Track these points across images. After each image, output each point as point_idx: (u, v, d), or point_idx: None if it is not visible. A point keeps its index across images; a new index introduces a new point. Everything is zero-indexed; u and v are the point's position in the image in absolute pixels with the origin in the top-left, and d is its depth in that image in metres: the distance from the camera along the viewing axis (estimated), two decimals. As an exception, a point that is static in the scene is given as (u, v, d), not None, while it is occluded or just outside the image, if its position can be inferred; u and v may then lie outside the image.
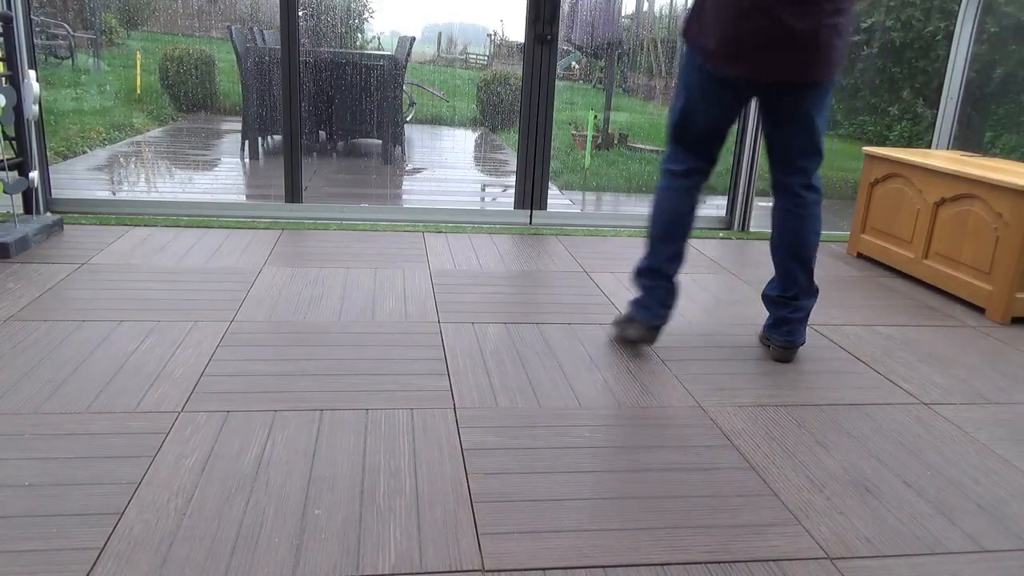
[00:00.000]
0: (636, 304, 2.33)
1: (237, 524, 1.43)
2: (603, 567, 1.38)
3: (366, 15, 8.34)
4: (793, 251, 2.29)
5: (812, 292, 2.33)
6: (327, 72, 6.02)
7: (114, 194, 4.96)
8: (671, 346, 2.41)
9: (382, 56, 6.40)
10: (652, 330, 2.31)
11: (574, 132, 7.66)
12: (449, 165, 6.76)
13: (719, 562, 1.41)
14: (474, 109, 8.06)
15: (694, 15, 2.17)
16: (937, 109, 4.12)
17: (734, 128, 2.40)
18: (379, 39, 8.43)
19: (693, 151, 2.30)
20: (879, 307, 2.92)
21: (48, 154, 3.54)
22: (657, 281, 2.31)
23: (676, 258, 2.31)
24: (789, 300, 2.31)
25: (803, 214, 2.28)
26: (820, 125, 2.23)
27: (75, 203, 3.64)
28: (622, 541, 1.45)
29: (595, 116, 7.68)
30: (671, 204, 2.32)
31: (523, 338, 2.40)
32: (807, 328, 2.40)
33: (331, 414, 1.86)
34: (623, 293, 2.89)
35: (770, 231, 2.37)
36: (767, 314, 2.40)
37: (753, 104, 3.02)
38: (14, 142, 3.16)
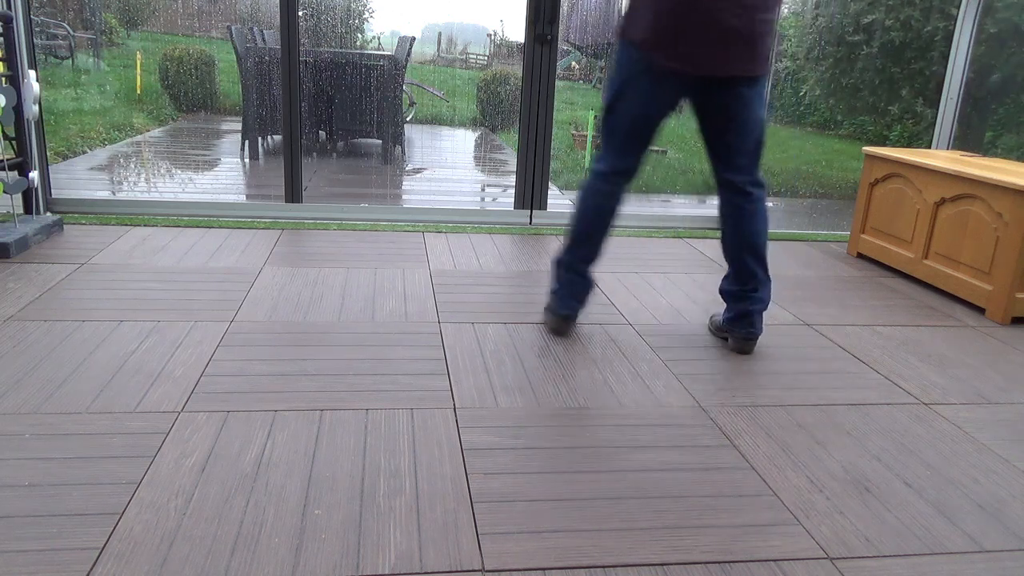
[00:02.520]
0: (553, 294, 2.44)
1: (237, 524, 1.43)
2: (603, 567, 1.38)
3: (366, 15, 8.35)
4: (748, 246, 2.31)
5: (768, 282, 2.36)
6: (327, 72, 6.02)
7: (114, 194, 4.97)
8: (671, 346, 2.41)
9: (382, 56, 6.40)
10: (564, 319, 2.41)
11: (574, 132, 7.66)
12: (449, 165, 6.77)
13: (719, 562, 1.41)
14: (474, 109, 8.06)
15: (630, 14, 2.18)
16: (937, 109, 4.12)
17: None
18: (379, 39, 8.43)
19: (622, 152, 2.30)
20: (879, 307, 2.92)
21: (48, 154, 3.54)
22: (572, 276, 2.39)
23: (593, 257, 2.39)
24: (749, 293, 2.34)
25: (753, 209, 2.30)
26: (759, 120, 2.24)
27: (75, 203, 3.64)
28: (622, 541, 1.45)
29: (595, 116, 7.68)
30: (594, 205, 2.33)
31: (523, 338, 2.40)
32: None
33: (331, 414, 1.86)
34: (623, 293, 2.89)
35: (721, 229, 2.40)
36: (766, 313, 2.41)
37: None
38: (14, 142, 3.16)
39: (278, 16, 3.54)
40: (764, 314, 2.40)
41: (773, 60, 2.28)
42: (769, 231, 2.33)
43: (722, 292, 2.42)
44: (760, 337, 2.41)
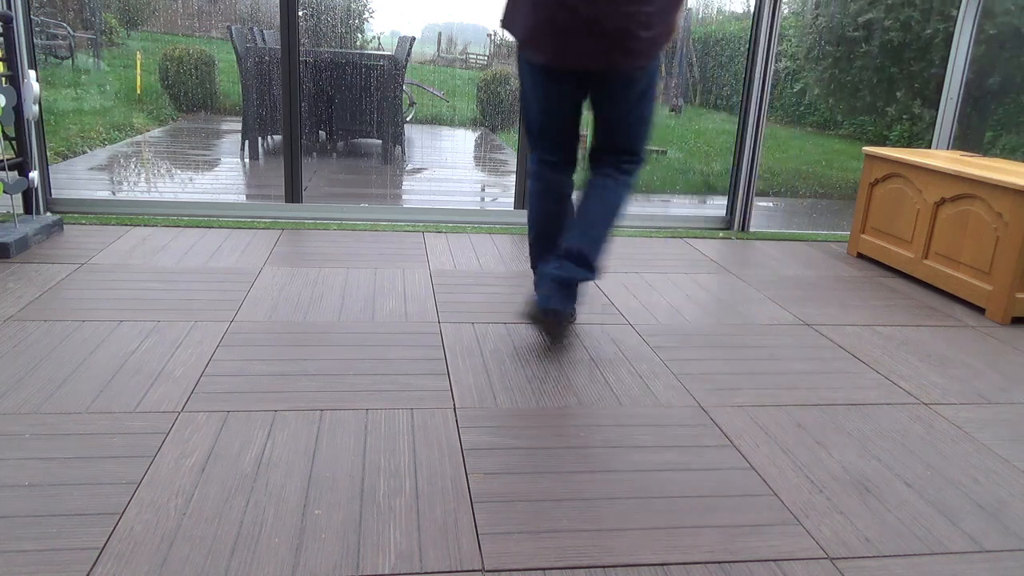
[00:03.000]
0: (535, 288, 2.31)
1: (237, 524, 1.43)
2: (603, 567, 1.38)
3: (366, 15, 8.35)
4: (579, 215, 2.23)
5: (585, 263, 2.20)
6: (327, 72, 6.02)
7: (114, 194, 4.97)
8: (671, 346, 2.41)
9: (382, 56, 6.40)
10: (546, 317, 2.28)
11: (574, 132, 7.64)
12: (449, 165, 6.77)
13: (719, 562, 1.41)
14: (474, 109, 8.06)
15: (508, 10, 2.15)
16: (936, 109, 4.12)
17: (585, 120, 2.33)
18: (379, 39, 8.43)
19: (545, 147, 2.26)
20: (879, 307, 2.92)
21: (48, 154, 3.54)
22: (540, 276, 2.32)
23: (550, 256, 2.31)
24: (559, 256, 2.21)
25: (602, 185, 2.23)
26: (633, 118, 2.17)
27: (75, 203, 3.64)
28: (622, 541, 1.45)
29: (595, 116, 7.67)
30: (538, 205, 2.31)
31: (523, 338, 2.39)
32: (574, 304, 2.32)
33: (331, 414, 1.86)
34: (623, 293, 2.89)
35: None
36: (766, 313, 2.40)
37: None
38: (14, 142, 3.16)
39: (278, 16, 3.54)
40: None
41: (664, 53, 2.21)
42: (614, 218, 2.23)
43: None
44: (570, 323, 2.29)
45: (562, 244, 2.21)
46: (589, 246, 2.19)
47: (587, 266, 2.20)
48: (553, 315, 2.20)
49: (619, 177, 2.24)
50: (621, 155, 2.24)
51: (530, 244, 2.38)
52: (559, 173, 2.29)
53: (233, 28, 6.20)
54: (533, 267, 2.39)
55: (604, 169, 2.25)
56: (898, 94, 7.11)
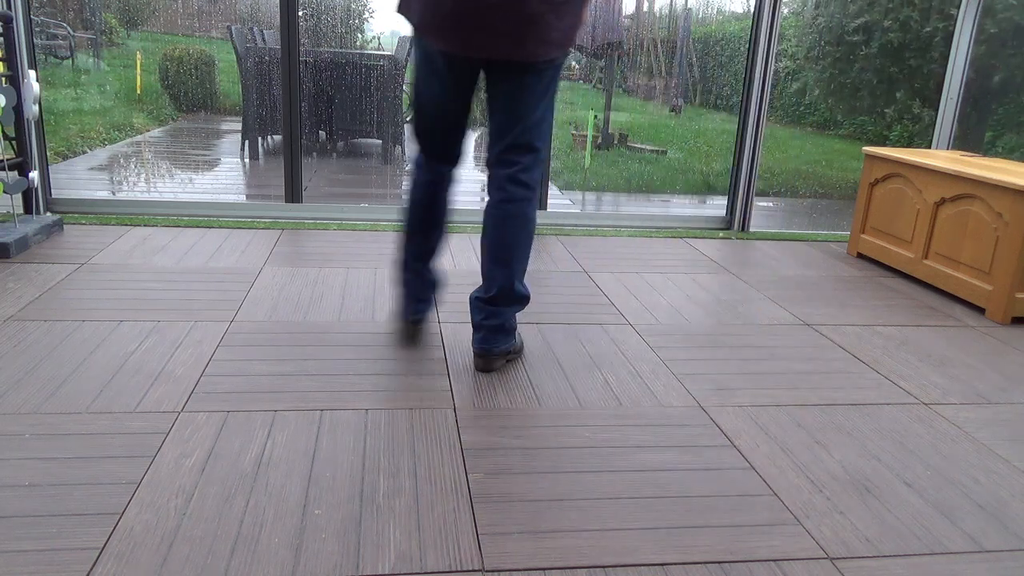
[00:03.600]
0: (397, 299, 2.25)
1: (237, 524, 1.43)
2: (603, 567, 1.38)
3: (366, 15, 8.35)
4: (493, 251, 2.09)
5: (515, 299, 2.11)
6: (327, 72, 6.02)
7: (114, 194, 4.97)
8: (671, 346, 2.41)
9: (382, 56, 6.40)
10: (411, 324, 2.23)
11: (574, 132, 7.66)
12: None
13: (719, 562, 1.41)
14: (474, 109, 8.04)
15: None
16: (936, 109, 4.12)
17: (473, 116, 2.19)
18: (379, 39, 8.43)
19: (435, 140, 2.14)
20: (879, 307, 2.92)
21: (48, 154, 3.54)
22: (411, 276, 2.21)
23: (429, 252, 2.21)
24: (486, 304, 2.11)
25: (506, 211, 2.07)
26: (529, 115, 2.03)
27: (75, 203, 3.64)
28: (622, 541, 1.45)
29: (595, 116, 7.69)
30: (417, 198, 2.18)
31: (523, 338, 2.39)
32: (514, 335, 2.20)
33: (331, 414, 1.86)
34: (623, 293, 2.89)
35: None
36: (766, 313, 2.40)
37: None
38: (14, 142, 3.16)
39: (278, 16, 3.54)
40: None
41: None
42: (530, 243, 2.11)
43: (469, 299, 2.18)
44: (505, 355, 2.15)
45: (489, 284, 2.09)
46: (513, 280, 2.09)
47: (519, 299, 2.13)
48: (497, 356, 2.14)
49: (518, 193, 2.08)
50: (518, 152, 2.08)
51: (405, 237, 2.20)
52: (446, 166, 2.17)
53: (233, 28, 6.19)
54: (404, 265, 2.22)
55: (501, 183, 2.09)
56: (898, 94, 7.11)
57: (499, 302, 2.09)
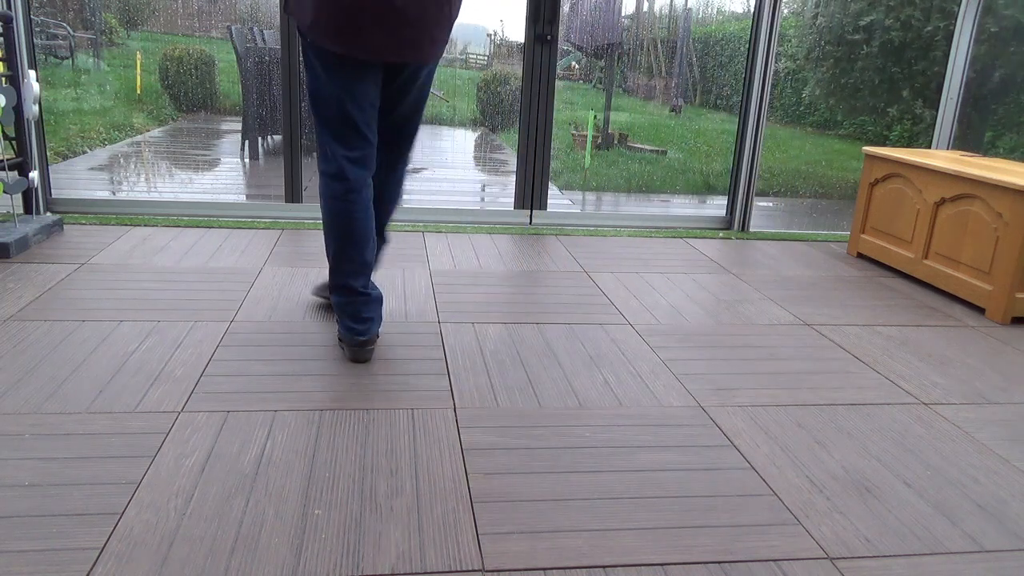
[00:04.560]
0: (339, 324, 2.15)
1: (237, 524, 1.43)
2: (603, 567, 1.38)
3: (366, 15, 8.31)
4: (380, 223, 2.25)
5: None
6: (327, 72, 6.01)
7: (114, 194, 4.97)
8: (671, 346, 2.41)
9: (382, 56, 6.38)
10: (360, 346, 2.10)
11: (574, 132, 7.66)
12: (449, 165, 6.77)
13: (719, 562, 1.41)
14: (474, 109, 8.05)
15: None
16: (937, 109, 4.12)
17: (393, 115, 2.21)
18: (379, 39, 8.40)
19: (350, 143, 2.05)
20: (879, 307, 2.92)
21: (48, 154, 3.54)
22: (345, 297, 2.11)
23: (360, 272, 2.10)
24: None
25: (390, 180, 2.24)
26: (422, 107, 2.19)
27: (75, 203, 3.64)
28: (622, 541, 1.45)
29: (595, 116, 7.69)
30: (334, 211, 2.06)
31: (523, 338, 2.39)
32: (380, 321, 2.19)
33: (331, 414, 1.86)
34: (623, 293, 2.89)
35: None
36: (766, 313, 2.39)
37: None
38: (14, 142, 3.16)
39: (278, 16, 3.54)
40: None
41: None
42: (386, 217, 2.26)
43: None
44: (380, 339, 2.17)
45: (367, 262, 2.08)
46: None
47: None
48: (369, 344, 2.11)
49: (400, 168, 2.27)
50: (411, 139, 2.21)
51: (334, 257, 2.10)
52: (364, 170, 2.09)
53: (233, 28, 6.19)
54: (339, 287, 2.11)
55: (393, 162, 2.23)
56: (904, 93, 7.10)
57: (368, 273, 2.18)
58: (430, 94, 2.22)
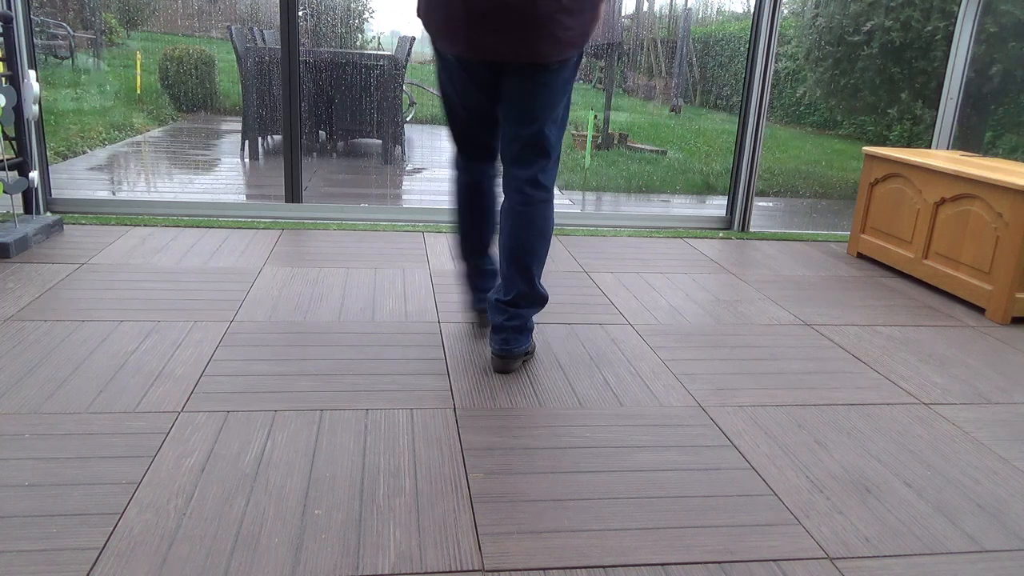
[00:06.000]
0: (463, 292, 2.45)
1: (237, 524, 1.43)
2: (603, 567, 1.38)
3: (366, 15, 8.35)
4: (513, 254, 2.09)
5: (535, 300, 2.14)
6: (327, 72, 6.02)
7: (114, 194, 4.97)
8: (671, 346, 2.41)
9: (382, 56, 6.40)
10: (479, 312, 2.40)
11: (574, 132, 7.66)
12: (449, 165, 6.77)
13: (719, 562, 1.41)
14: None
15: None
16: (937, 110, 4.12)
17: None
18: (379, 39, 8.43)
19: (465, 141, 2.21)
20: (879, 307, 2.92)
21: (48, 154, 3.54)
22: (470, 270, 2.37)
23: (478, 250, 2.32)
24: (507, 306, 2.11)
25: (524, 213, 2.07)
26: (546, 115, 2.01)
27: (75, 203, 3.64)
28: (622, 541, 1.45)
29: (595, 116, 7.68)
30: (461, 199, 2.28)
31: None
32: (531, 336, 2.21)
33: (331, 414, 1.86)
34: (623, 293, 2.89)
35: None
36: (766, 312, 2.40)
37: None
38: (14, 142, 3.16)
39: (278, 16, 3.54)
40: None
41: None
42: (548, 244, 2.13)
43: (487, 300, 2.22)
44: (522, 356, 2.15)
45: (507, 286, 2.12)
46: (533, 282, 2.12)
47: (538, 300, 2.17)
48: (516, 357, 2.15)
49: (536, 195, 2.08)
50: (535, 153, 2.07)
51: (460, 238, 2.33)
52: (483, 163, 2.24)
53: (233, 28, 6.20)
54: (465, 259, 2.36)
55: (519, 185, 2.08)
56: (904, 94, 7.11)
57: (520, 304, 2.12)
58: (550, 104, 2.02)
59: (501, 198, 2.17)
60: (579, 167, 6.92)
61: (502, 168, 2.19)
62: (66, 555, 1.33)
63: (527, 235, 2.08)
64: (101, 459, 1.61)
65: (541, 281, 2.15)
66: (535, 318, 2.40)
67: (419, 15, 2.03)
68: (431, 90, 8.43)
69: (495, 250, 2.30)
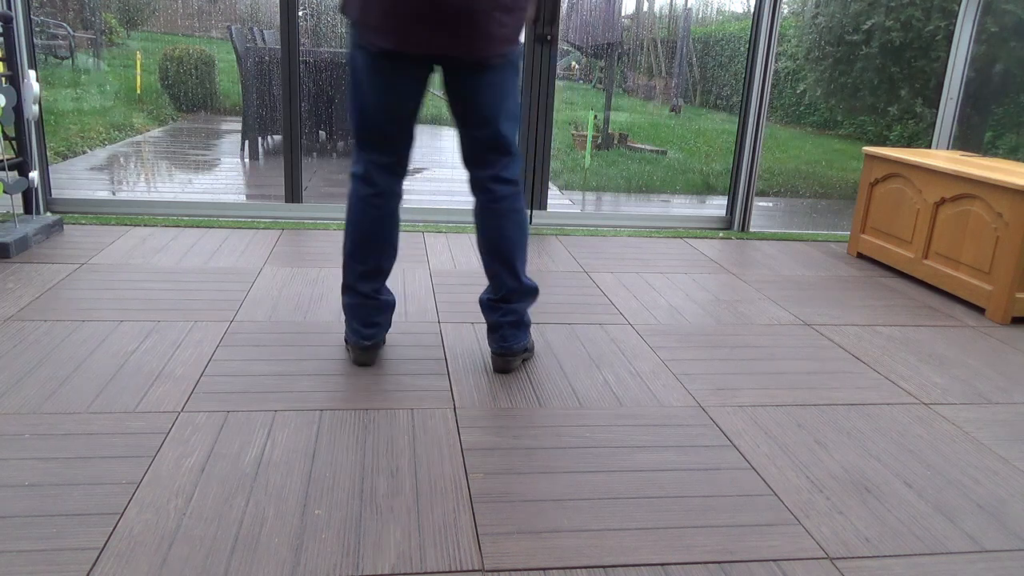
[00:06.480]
0: (346, 325, 2.17)
1: (237, 524, 1.43)
2: (603, 567, 1.38)
3: (366, 15, 8.30)
4: (493, 250, 2.06)
5: (525, 293, 2.10)
6: (327, 72, 6.02)
7: (114, 194, 4.97)
8: (671, 346, 2.41)
9: (382, 56, 6.38)
10: (364, 350, 2.11)
11: (574, 132, 7.66)
12: (449, 165, 6.76)
13: (719, 562, 1.41)
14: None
15: None
16: (937, 109, 4.12)
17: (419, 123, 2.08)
18: (379, 39, 8.40)
19: (374, 149, 2.03)
20: (879, 307, 2.92)
21: (48, 154, 3.54)
22: (355, 299, 2.10)
23: (372, 275, 2.09)
24: (499, 303, 2.09)
25: (497, 209, 2.03)
26: (497, 114, 1.97)
27: (75, 203, 3.64)
28: (622, 541, 1.45)
29: (595, 116, 7.68)
30: (359, 216, 2.05)
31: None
32: (529, 332, 2.18)
33: (331, 414, 1.86)
34: (623, 293, 2.89)
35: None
36: (766, 312, 2.40)
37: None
38: (14, 142, 3.16)
39: (278, 16, 3.54)
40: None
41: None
42: (526, 236, 2.08)
43: (480, 302, 2.17)
44: (522, 353, 2.13)
45: (497, 285, 2.07)
46: (519, 275, 2.07)
47: (529, 292, 2.11)
48: (517, 353, 2.12)
49: (503, 190, 2.04)
50: (495, 153, 2.03)
51: (348, 257, 2.08)
52: (392, 177, 2.06)
53: (233, 28, 6.20)
54: (349, 287, 2.11)
55: (483, 184, 2.04)
56: (904, 93, 7.10)
57: (511, 299, 2.09)
58: (498, 103, 1.98)
59: (401, 221, 2.08)
60: (579, 167, 6.92)
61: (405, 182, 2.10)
62: (66, 555, 1.33)
63: (502, 229, 2.05)
64: (101, 459, 1.61)
65: (527, 275, 2.11)
66: (532, 316, 2.39)
67: (344, 11, 1.94)
68: (434, 91, 8.43)
69: (368, 285, 2.11)
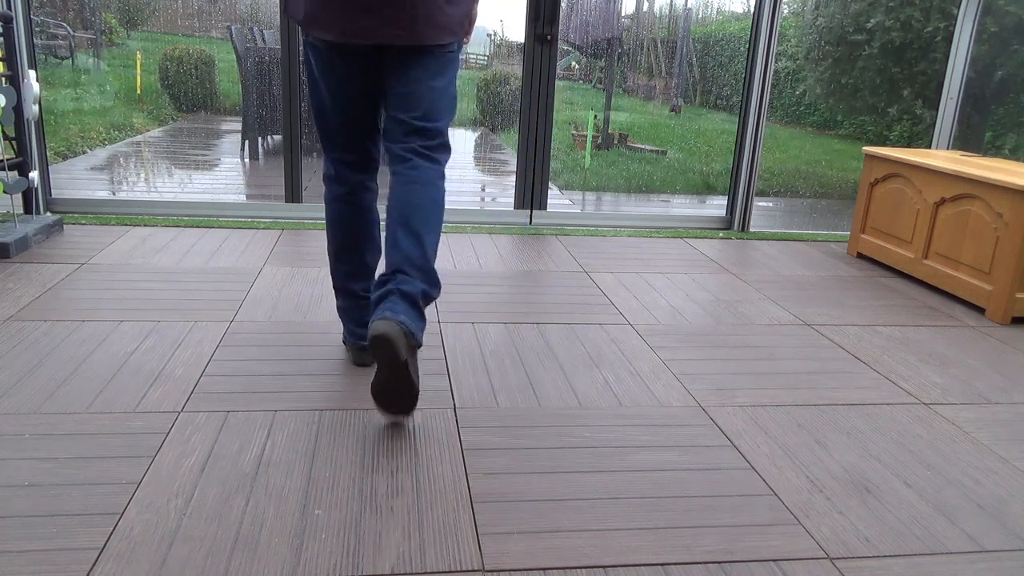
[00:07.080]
0: (343, 327, 2.17)
1: (237, 524, 1.43)
2: (603, 567, 1.38)
3: (366, 15, 8.31)
4: (400, 217, 1.83)
5: (425, 271, 1.79)
6: (327, 72, 6.01)
7: (114, 194, 4.97)
8: (671, 346, 2.41)
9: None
10: (363, 351, 2.09)
11: (574, 132, 7.66)
12: (449, 165, 6.77)
13: (719, 562, 1.41)
14: (474, 109, 8.05)
15: None
16: (937, 110, 4.12)
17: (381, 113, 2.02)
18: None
19: (342, 144, 2.00)
20: (879, 307, 2.92)
21: (48, 154, 3.54)
22: (347, 302, 2.11)
23: (359, 273, 2.07)
24: (392, 275, 1.77)
25: (410, 175, 1.88)
26: (431, 101, 1.92)
27: (75, 203, 3.64)
28: (622, 541, 1.45)
29: (595, 116, 7.69)
30: (335, 215, 2.04)
31: (523, 338, 2.39)
32: (423, 324, 1.77)
33: (331, 414, 1.86)
34: (623, 293, 2.89)
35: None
36: (766, 313, 2.39)
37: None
38: (14, 142, 3.16)
39: (278, 16, 3.54)
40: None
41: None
42: (439, 218, 1.89)
43: (371, 286, 1.90)
44: (410, 338, 1.69)
45: (394, 255, 1.82)
46: (425, 250, 1.82)
47: (428, 274, 1.81)
48: (399, 328, 1.67)
49: (425, 164, 1.90)
50: (421, 134, 1.92)
51: (333, 262, 2.09)
52: (361, 174, 2.03)
53: (233, 28, 6.20)
54: (340, 289, 2.11)
55: (405, 155, 1.91)
56: (904, 93, 7.10)
57: (407, 271, 1.77)
58: (434, 89, 1.92)
59: (383, 215, 1.97)
60: (579, 167, 6.92)
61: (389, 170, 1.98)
62: (66, 555, 1.33)
63: (416, 197, 1.87)
64: (101, 459, 1.61)
65: (435, 265, 1.85)
66: (532, 315, 2.37)
67: (287, 11, 1.94)
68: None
69: (357, 284, 2.08)
